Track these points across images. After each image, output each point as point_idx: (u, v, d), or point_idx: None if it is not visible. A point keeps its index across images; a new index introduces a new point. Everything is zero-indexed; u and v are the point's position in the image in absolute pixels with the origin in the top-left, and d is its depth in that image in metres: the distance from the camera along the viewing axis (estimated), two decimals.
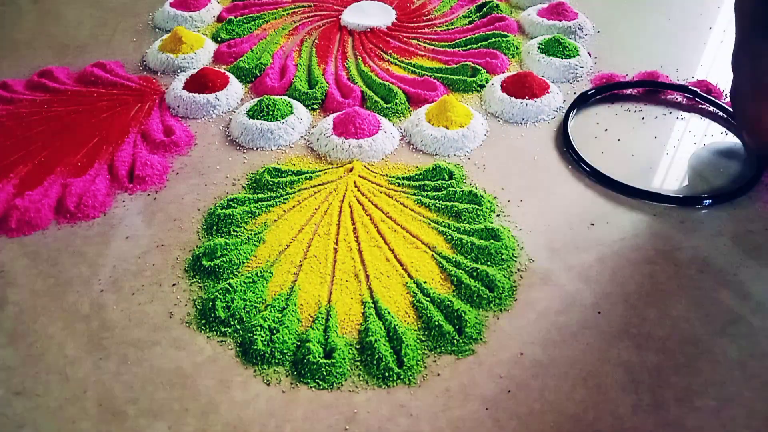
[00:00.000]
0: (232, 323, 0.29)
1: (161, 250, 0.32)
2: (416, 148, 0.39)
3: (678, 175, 0.36)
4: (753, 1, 0.29)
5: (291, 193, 0.35)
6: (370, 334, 0.28)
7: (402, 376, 0.27)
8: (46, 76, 0.44)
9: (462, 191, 0.35)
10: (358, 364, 0.27)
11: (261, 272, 0.31)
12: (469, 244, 0.32)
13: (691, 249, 0.32)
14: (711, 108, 0.41)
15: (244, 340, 0.28)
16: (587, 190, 0.35)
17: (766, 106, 0.30)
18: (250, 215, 0.34)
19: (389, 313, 0.29)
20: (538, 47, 0.45)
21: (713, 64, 0.45)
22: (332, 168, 0.37)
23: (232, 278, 0.31)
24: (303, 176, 0.36)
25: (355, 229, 0.33)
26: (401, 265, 0.31)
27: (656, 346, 0.28)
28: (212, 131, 0.41)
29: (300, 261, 0.32)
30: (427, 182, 0.36)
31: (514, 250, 0.32)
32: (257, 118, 0.40)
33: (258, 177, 0.36)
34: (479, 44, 0.47)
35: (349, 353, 0.28)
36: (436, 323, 0.28)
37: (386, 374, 0.27)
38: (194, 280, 0.31)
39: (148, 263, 0.32)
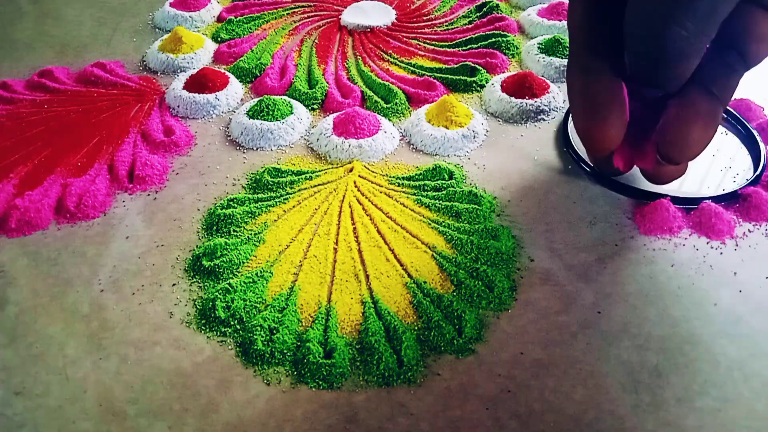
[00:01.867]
0: (232, 323, 0.29)
1: (161, 250, 0.32)
2: (416, 148, 0.39)
3: None
4: (580, 16, 0.28)
5: (291, 193, 0.35)
6: (370, 334, 0.28)
7: (402, 376, 0.27)
8: (46, 76, 0.44)
9: (462, 191, 0.35)
10: (358, 364, 0.27)
11: (261, 272, 0.31)
12: (469, 244, 0.32)
13: (691, 249, 0.32)
14: None
15: (244, 340, 0.28)
16: (587, 190, 0.35)
17: (594, 124, 0.29)
18: (250, 215, 0.34)
19: (389, 313, 0.29)
20: (538, 47, 0.45)
21: None
22: (332, 168, 0.37)
23: (232, 278, 0.31)
24: (303, 176, 0.36)
25: (355, 229, 0.33)
26: (401, 265, 0.31)
27: (656, 346, 0.28)
28: (212, 131, 0.41)
29: (300, 261, 0.32)
30: (427, 182, 0.36)
31: (514, 250, 0.32)
32: (257, 118, 0.40)
33: (258, 177, 0.36)
34: (479, 44, 0.47)
35: (349, 353, 0.28)
36: (436, 323, 0.28)
37: (386, 374, 0.27)
38: (194, 280, 0.31)
39: (148, 263, 0.32)
